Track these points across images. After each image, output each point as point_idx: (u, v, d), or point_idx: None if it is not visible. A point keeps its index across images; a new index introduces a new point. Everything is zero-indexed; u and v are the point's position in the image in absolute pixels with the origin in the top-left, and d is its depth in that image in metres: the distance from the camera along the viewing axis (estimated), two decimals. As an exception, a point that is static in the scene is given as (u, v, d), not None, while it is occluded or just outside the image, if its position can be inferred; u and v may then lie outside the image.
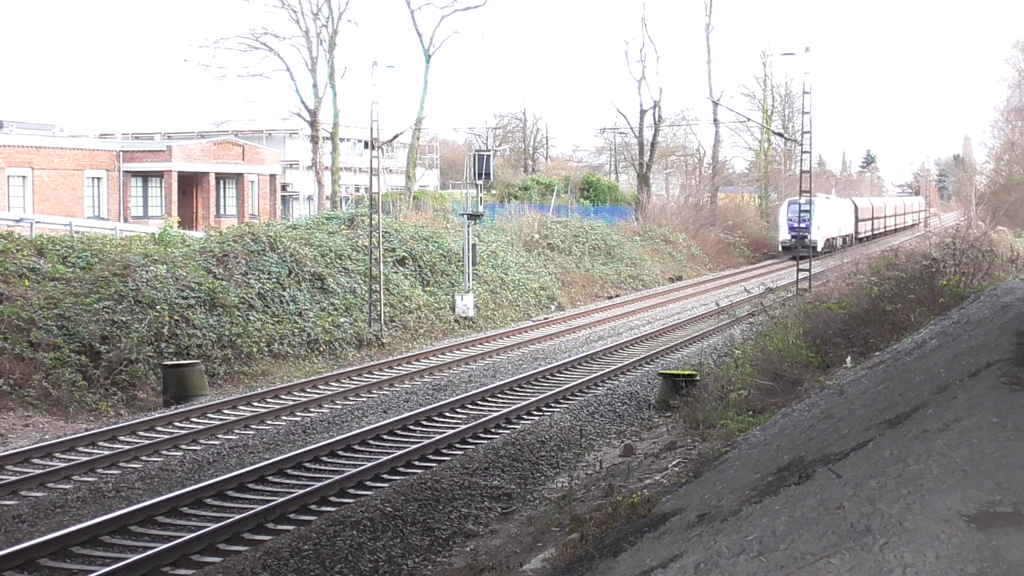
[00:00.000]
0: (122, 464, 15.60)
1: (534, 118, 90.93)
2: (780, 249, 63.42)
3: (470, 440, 17.35)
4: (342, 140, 57.10)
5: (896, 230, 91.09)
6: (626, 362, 25.09)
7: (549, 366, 24.31)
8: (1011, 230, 54.80)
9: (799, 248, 59.46)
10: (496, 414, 18.96)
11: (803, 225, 56.03)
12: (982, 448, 6.14)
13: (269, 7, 51.65)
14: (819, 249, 59.24)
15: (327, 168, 52.95)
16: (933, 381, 9.70)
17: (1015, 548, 4.54)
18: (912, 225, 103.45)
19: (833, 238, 65.54)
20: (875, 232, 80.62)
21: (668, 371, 21.41)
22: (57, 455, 16.16)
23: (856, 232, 73.44)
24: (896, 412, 8.60)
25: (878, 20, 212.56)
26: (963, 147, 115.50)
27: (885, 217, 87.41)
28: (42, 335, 21.22)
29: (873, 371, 13.55)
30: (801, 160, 46.32)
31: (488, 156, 38.59)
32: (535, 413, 19.49)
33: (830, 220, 64.06)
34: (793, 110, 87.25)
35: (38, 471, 14.98)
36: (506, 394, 21.32)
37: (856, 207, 74.19)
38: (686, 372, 20.30)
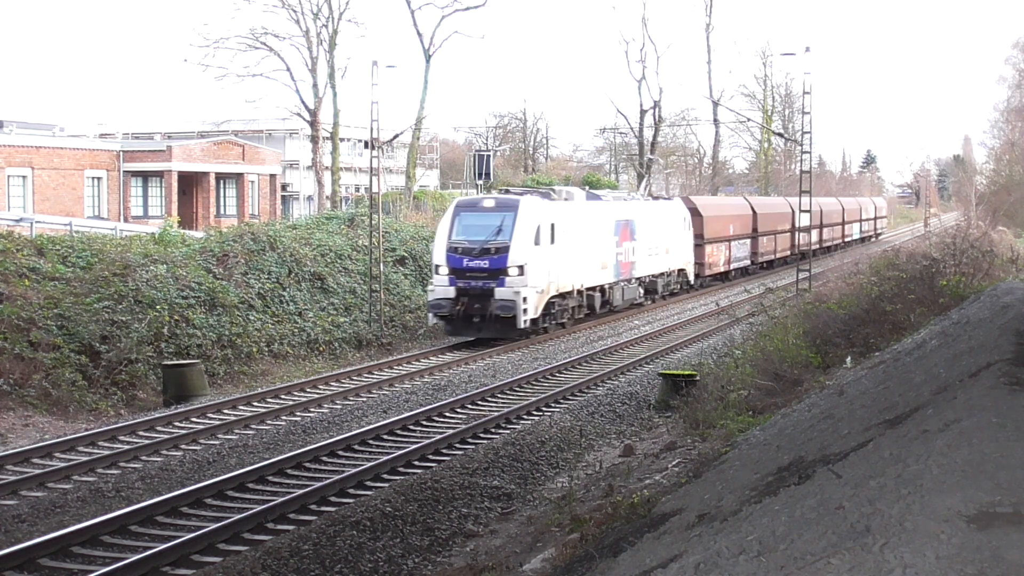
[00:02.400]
0: (122, 464, 15.59)
1: (534, 118, 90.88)
2: (431, 316, 28.16)
3: (470, 440, 17.35)
4: (342, 140, 57.12)
5: (825, 248, 60.59)
6: (626, 362, 25.08)
7: (549, 366, 24.31)
8: (1011, 230, 54.81)
9: (478, 323, 27.14)
10: (496, 414, 18.96)
11: (483, 263, 27.00)
12: (982, 448, 6.14)
13: (269, 7, 51.67)
14: (526, 320, 26.91)
15: (327, 168, 52.96)
16: (933, 381, 9.70)
17: (1015, 548, 4.54)
18: (862, 239, 73.29)
19: (591, 291, 31.32)
20: (762, 261, 50.15)
21: (668, 371, 21.40)
22: (57, 455, 16.14)
23: (702, 264, 41.64)
24: (896, 412, 8.60)
25: (878, 20, 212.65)
26: (963, 147, 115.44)
27: (793, 231, 53.20)
28: (42, 335, 21.21)
29: (873, 371, 13.55)
30: (801, 160, 46.39)
31: (488, 156, 38.94)
32: (535, 413, 19.48)
33: (568, 252, 29.11)
34: (793, 110, 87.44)
35: (38, 471, 14.97)
36: (506, 394, 21.32)
37: (701, 216, 41.18)
38: (686, 372, 20.29)
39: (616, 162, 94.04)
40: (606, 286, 32.31)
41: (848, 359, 17.02)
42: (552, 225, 28.21)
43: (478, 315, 26.87)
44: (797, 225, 53.44)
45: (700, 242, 41.34)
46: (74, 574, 11.25)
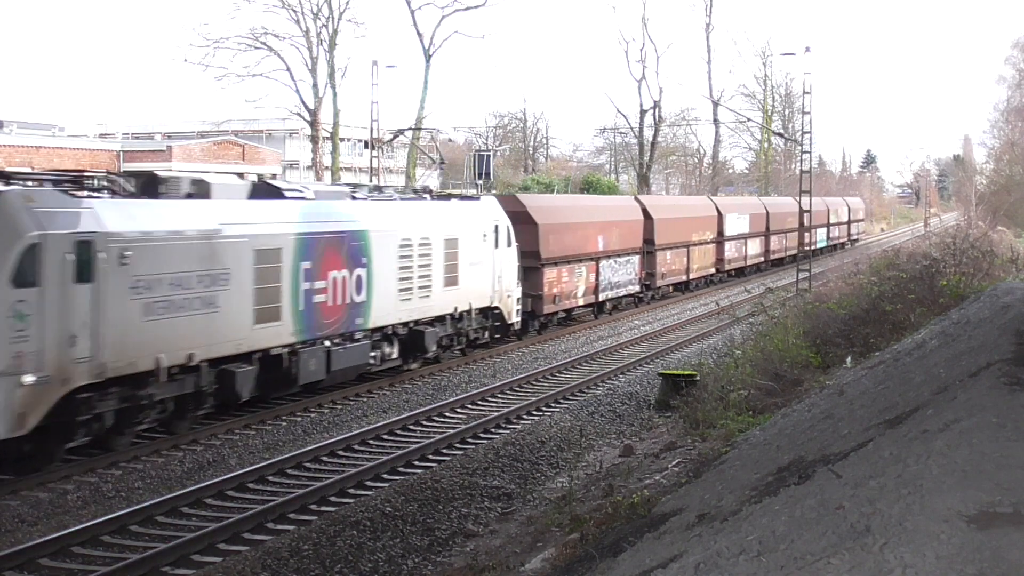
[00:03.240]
0: (122, 464, 15.58)
1: (534, 118, 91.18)
2: None
3: (470, 440, 17.35)
4: (342, 140, 57.17)
5: (776, 261, 51.58)
6: (626, 362, 25.08)
7: (549, 366, 24.30)
8: (1011, 230, 54.84)
9: None
10: (496, 414, 18.96)
11: None
12: (982, 448, 6.14)
13: (269, 7, 51.73)
14: None
15: (327, 168, 52.99)
16: (933, 381, 9.70)
17: (1015, 548, 4.54)
18: (831, 247, 62.00)
19: (233, 363, 17.24)
20: (665, 285, 38.24)
21: (668, 371, 21.40)
22: (57, 455, 16.08)
23: (540, 297, 28.22)
24: (896, 412, 8.60)
25: (878, 20, 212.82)
26: (963, 147, 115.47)
27: (720, 242, 43.50)
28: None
29: (873, 371, 13.55)
30: (801, 160, 46.36)
31: (488, 156, 38.53)
32: (535, 413, 19.48)
33: (140, 297, 15.27)
34: (793, 110, 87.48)
35: (38, 471, 14.94)
36: (506, 394, 21.31)
37: (535, 224, 28.10)
38: (686, 372, 20.29)
39: (616, 162, 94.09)
40: (281, 351, 18.37)
41: (848, 359, 17.04)
42: (79, 246, 14.49)
43: None
44: (726, 233, 44.33)
45: (535, 263, 27.67)
46: (74, 574, 11.25)
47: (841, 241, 67.65)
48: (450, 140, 49.43)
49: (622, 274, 33.96)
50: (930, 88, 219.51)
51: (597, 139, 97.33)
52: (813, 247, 53.90)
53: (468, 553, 11.86)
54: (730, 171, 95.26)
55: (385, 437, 17.46)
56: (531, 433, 17.40)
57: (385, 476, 15.07)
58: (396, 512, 13.05)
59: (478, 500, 14.01)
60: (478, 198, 27.22)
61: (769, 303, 25.45)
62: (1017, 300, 14.52)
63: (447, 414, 19.29)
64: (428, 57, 53.00)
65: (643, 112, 67.06)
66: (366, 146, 63.68)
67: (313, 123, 52.32)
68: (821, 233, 58.37)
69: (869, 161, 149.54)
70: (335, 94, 52.05)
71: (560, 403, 20.42)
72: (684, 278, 40.10)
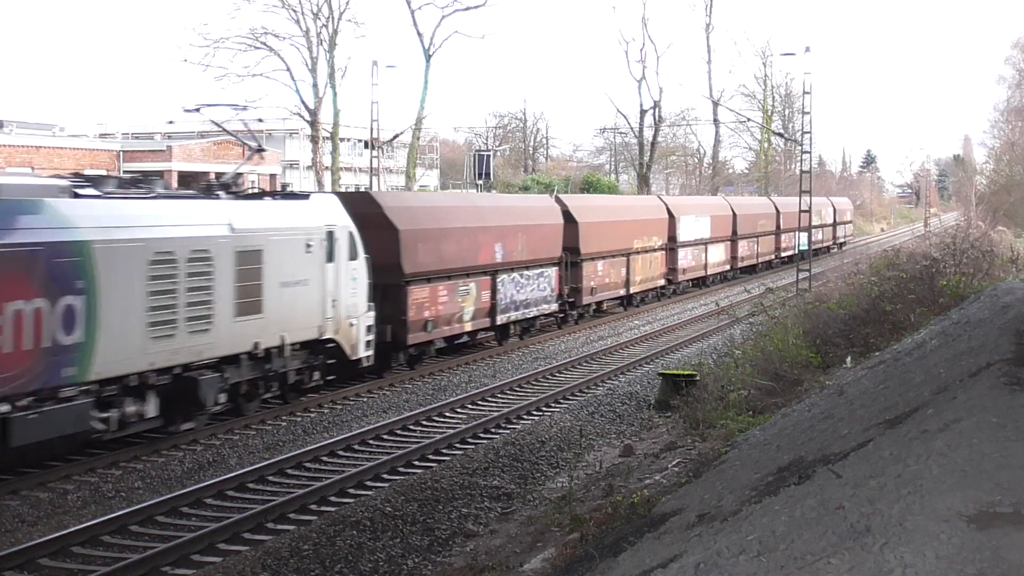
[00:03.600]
0: (122, 464, 15.59)
1: (534, 118, 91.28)
2: None
3: (470, 440, 17.36)
4: (342, 140, 57.20)
5: (747, 268, 47.90)
6: (626, 362, 25.08)
7: (549, 366, 24.30)
8: (1011, 230, 54.84)
9: None
10: (496, 414, 18.96)
11: None
12: (982, 448, 6.15)
13: (269, 7, 51.74)
14: None
15: (327, 168, 53.00)
16: (933, 381, 9.71)
17: (1015, 548, 4.55)
18: (814, 251, 47.75)
19: None
20: (593, 303, 32.41)
21: (668, 371, 21.41)
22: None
23: (404, 322, 22.15)
24: (896, 412, 8.60)
25: (878, 20, 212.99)
26: (963, 147, 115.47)
27: (671, 249, 38.20)
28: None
29: (873, 371, 13.56)
30: (801, 160, 46.36)
31: (488, 156, 38.39)
32: (535, 413, 19.49)
33: None
34: (793, 110, 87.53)
35: (38, 471, 14.96)
36: (506, 394, 21.32)
37: (396, 229, 22.13)
38: (686, 372, 20.29)
39: (616, 162, 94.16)
40: None
41: (848, 359, 17.04)
42: None
43: None
44: (680, 238, 38.70)
45: (397, 280, 22.19)
46: (74, 574, 11.25)
47: (825, 244, 62.82)
48: (265, 126, 48.45)
49: (532, 290, 27.85)
50: (930, 88, 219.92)
51: (597, 139, 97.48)
52: (792, 251, 49.39)
53: (468, 553, 11.87)
54: (730, 171, 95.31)
55: (385, 437, 17.47)
56: (531, 433, 17.41)
57: (385, 476, 15.07)
58: (396, 512, 13.06)
59: (478, 500, 14.01)
60: (307, 196, 20.68)
61: (769, 303, 25.46)
62: (1017, 300, 14.53)
63: (447, 414, 19.30)
64: (428, 57, 53.03)
65: (643, 112, 67.12)
66: (366, 146, 63.70)
67: (313, 123, 52.35)
68: (801, 236, 47.43)
69: (869, 161, 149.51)
70: (335, 94, 52.13)
71: (560, 403, 20.43)
72: (623, 292, 34.18)
